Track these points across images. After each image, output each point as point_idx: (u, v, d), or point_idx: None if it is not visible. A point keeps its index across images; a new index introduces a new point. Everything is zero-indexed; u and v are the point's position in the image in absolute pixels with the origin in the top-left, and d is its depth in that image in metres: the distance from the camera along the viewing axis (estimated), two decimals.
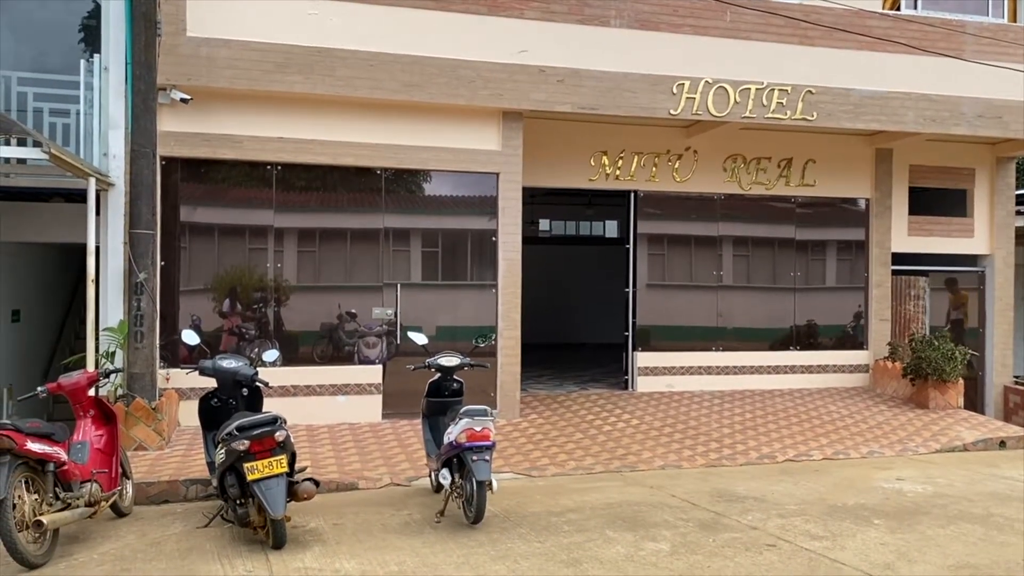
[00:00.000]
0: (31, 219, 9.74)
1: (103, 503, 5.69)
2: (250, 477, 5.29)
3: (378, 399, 9.59)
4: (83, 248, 7.90)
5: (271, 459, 5.35)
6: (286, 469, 5.41)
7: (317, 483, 5.67)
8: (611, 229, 19.23)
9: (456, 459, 6.13)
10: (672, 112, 10.14)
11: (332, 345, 9.71)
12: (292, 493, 5.49)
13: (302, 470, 6.06)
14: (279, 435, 5.38)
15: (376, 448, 8.40)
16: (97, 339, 8.22)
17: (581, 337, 17.94)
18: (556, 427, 9.58)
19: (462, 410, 6.08)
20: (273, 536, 5.40)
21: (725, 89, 10.23)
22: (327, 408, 9.43)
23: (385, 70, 9.18)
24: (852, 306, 12.46)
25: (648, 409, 10.52)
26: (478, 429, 5.92)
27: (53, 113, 9.14)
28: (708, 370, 11.73)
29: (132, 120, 8.08)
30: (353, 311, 9.74)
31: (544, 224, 18.94)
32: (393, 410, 9.58)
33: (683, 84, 10.09)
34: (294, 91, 9.01)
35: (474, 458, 5.86)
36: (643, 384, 11.51)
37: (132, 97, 8.11)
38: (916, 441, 9.31)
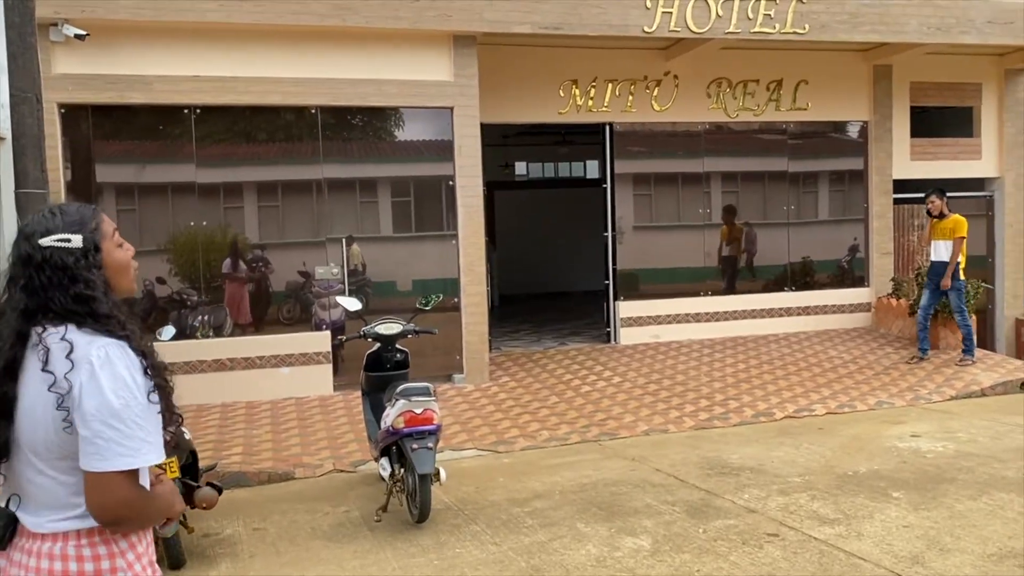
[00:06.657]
0: None
1: None
2: None
3: (328, 369, 8.57)
4: None
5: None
6: (177, 474, 4.42)
7: (220, 489, 4.68)
8: (592, 169, 18.04)
9: (396, 447, 5.14)
10: (646, 30, 8.95)
11: (299, 306, 8.69)
12: (188, 501, 4.50)
13: (210, 468, 5.08)
14: None
15: (322, 427, 7.41)
16: None
17: (566, 285, 16.87)
18: (530, 391, 8.61)
19: (399, 389, 5.07)
20: None
21: (705, 1, 9.04)
22: (270, 382, 8.39)
23: None
24: (851, 240, 11.45)
25: (632, 364, 9.54)
26: (418, 411, 4.92)
27: None
28: (697, 317, 10.74)
29: (8, 60, 6.90)
30: (302, 270, 8.68)
31: (520, 167, 17.71)
32: (347, 380, 8.54)
33: None
34: (208, 20, 7.78)
35: (414, 446, 4.87)
36: (627, 336, 10.52)
37: (7, 32, 6.92)
38: (928, 387, 8.38)
